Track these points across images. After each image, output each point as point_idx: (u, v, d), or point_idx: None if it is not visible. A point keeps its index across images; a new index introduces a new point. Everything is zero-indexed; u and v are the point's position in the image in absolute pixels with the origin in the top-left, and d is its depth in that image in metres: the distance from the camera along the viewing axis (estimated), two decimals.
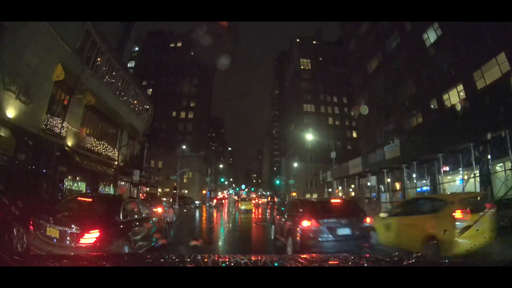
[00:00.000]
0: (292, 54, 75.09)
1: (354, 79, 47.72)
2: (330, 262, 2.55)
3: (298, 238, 7.21)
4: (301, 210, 8.07)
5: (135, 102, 29.28)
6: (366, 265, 2.47)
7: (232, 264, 2.34)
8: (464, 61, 22.75)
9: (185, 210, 33.10)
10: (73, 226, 5.34)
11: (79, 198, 7.00)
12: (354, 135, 62.82)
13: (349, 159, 32.46)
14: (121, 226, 6.13)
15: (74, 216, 5.88)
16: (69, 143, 18.23)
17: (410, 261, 2.31)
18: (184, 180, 58.64)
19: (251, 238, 13.23)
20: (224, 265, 2.33)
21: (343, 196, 33.02)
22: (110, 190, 22.69)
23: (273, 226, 10.76)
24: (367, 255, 3.26)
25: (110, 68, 24.04)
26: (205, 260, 2.49)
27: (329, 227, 7.06)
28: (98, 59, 22.46)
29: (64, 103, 18.59)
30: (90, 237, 5.23)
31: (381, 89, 37.19)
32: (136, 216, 6.95)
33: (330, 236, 6.99)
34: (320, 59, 71.14)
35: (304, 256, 2.99)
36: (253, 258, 2.60)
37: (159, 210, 13.43)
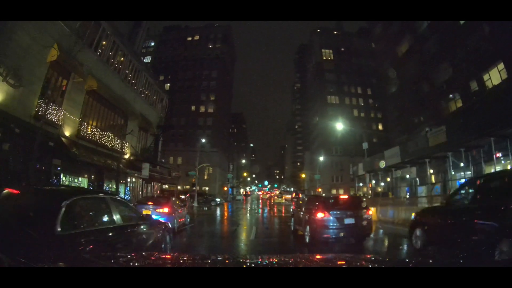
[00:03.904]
0: (313, 45, 73.04)
1: (382, 65, 44.57)
2: (330, 263, 2.64)
3: (314, 226, 8.88)
4: (316, 204, 9.64)
5: (147, 92, 26.85)
6: (366, 265, 2.45)
7: (233, 264, 2.40)
8: (502, 37, 20.20)
9: (205, 208, 30.60)
10: None
11: (8, 190, 4.23)
12: (380, 127, 60.94)
13: (375, 152, 31.00)
14: (58, 243, 3.35)
15: None
16: (67, 132, 15.89)
17: (411, 261, 2.70)
18: (205, 177, 56.54)
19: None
20: (224, 266, 2.35)
21: (371, 192, 33.53)
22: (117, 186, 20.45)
23: (292, 219, 12.30)
24: (368, 256, 3.23)
25: (117, 53, 21.69)
26: (205, 260, 2.59)
27: (337, 217, 8.69)
28: (103, 42, 20.23)
29: (62, 88, 16.36)
30: None
31: (414, 73, 34.17)
32: (99, 224, 4.14)
33: (338, 224, 8.61)
34: (342, 49, 68.68)
35: (305, 256, 3.62)
36: (253, 259, 2.94)
37: (165, 210, 10.83)
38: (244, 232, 13.21)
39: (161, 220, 9.12)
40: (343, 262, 2.55)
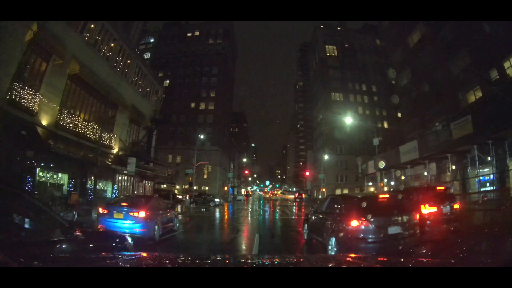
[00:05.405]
0: (316, 41, 70.55)
1: (391, 58, 42.54)
2: (332, 263, 2.59)
3: (344, 238, 6.67)
4: (345, 207, 7.49)
5: (140, 82, 24.84)
6: (367, 265, 2.40)
7: (234, 265, 2.34)
8: None
9: (203, 209, 28.48)
10: None
11: None
12: (385, 125, 58.68)
13: (382, 150, 29.86)
14: None
15: None
16: (44, 121, 13.97)
17: (411, 261, 2.58)
18: (204, 176, 54.58)
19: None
20: (224, 266, 2.31)
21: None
22: (104, 183, 18.55)
23: (306, 225, 10.09)
24: (368, 256, 2.92)
25: (106, 37, 19.76)
26: (206, 261, 2.53)
27: (378, 225, 6.42)
28: (91, 25, 18.37)
29: (41, 71, 14.47)
30: None
31: (427, 64, 32.06)
32: None
33: (381, 235, 6.39)
34: (346, 45, 66.74)
35: (305, 256, 3.62)
36: (253, 259, 2.90)
37: (141, 214, 8.71)
38: (245, 242, 10.92)
39: (135, 229, 7.15)
40: (344, 263, 2.56)
